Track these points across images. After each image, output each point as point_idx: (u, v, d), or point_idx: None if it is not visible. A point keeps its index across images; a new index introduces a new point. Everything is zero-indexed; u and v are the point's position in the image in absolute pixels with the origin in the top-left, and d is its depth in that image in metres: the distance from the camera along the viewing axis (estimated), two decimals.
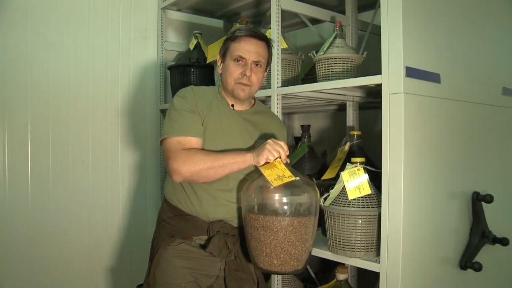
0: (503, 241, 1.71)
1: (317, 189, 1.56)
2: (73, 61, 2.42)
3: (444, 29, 1.60)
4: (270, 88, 1.90)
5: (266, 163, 1.50)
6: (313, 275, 2.25)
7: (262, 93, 1.96)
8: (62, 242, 2.38)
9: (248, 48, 1.63)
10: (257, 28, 1.71)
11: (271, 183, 1.45)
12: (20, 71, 2.26)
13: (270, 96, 1.90)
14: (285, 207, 1.50)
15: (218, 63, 1.73)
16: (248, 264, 1.70)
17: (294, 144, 2.73)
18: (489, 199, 1.64)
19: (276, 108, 1.87)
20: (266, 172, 1.48)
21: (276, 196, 1.51)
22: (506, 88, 1.89)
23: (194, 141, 1.58)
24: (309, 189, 1.53)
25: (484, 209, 1.68)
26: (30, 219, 2.30)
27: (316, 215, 1.56)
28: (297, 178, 1.48)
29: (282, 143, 1.52)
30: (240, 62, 1.63)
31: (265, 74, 1.73)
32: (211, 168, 1.51)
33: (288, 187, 1.49)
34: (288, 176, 1.46)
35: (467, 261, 1.61)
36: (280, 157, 1.50)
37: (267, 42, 1.69)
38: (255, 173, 1.62)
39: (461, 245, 1.65)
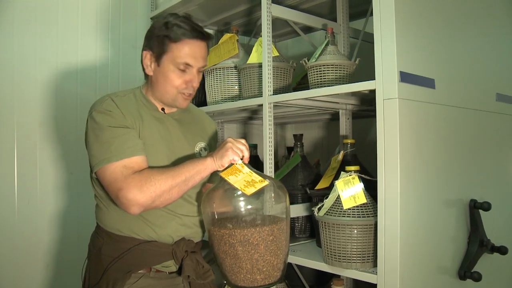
0: (502, 250, 1.67)
1: (284, 187, 1.44)
2: (61, 70, 2.37)
3: (438, 34, 1.57)
4: (262, 96, 1.86)
5: (227, 167, 1.34)
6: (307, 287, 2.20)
7: (253, 102, 1.93)
8: None
9: (195, 54, 1.41)
10: (197, 23, 1.45)
11: (243, 191, 1.28)
12: (6, 79, 2.20)
13: (262, 105, 1.86)
14: (264, 216, 1.37)
15: (148, 62, 1.44)
16: (214, 283, 1.55)
17: (286, 154, 2.70)
18: (486, 206, 1.60)
19: (268, 117, 1.83)
20: (231, 179, 1.30)
21: (252, 206, 1.36)
22: (500, 94, 1.87)
23: (141, 160, 1.33)
24: (280, 191, 1.41)
25: (482, 217, 1.64)
26: None
27: (289, 216, 1.43)
28: (267, 181, 1.34)
29: (243, 141, 1.37)
30: (185, 71, 1.42)
31: None
32: (174, 187, 1.29)
33: (260, 193, 1.34)
34: (259, 180, 1.31)
35: (466, 271, 1.57)
36: (242, 158, 1.35)
37: (209, 40, 1.48)
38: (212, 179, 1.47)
39: (459, 254, 1.61)
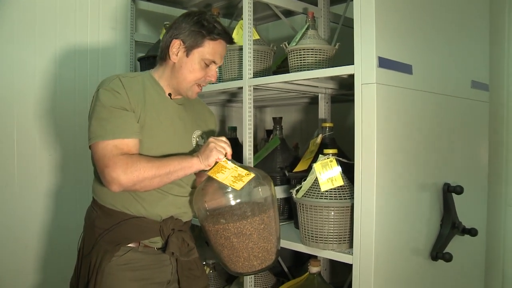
0: (472, 232, 1.73)
1: (268, 176, 1.49)
2: (39, 53, 2.34)
3: (416, 21, 1.60)
4: (242, 79, 1.87)
5: (213, 166, 1.41)
6: (285, 269, 2.24)
7: (233, 85, 1.94)
8: None
9: (221, 53, 1.53)
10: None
11: (233, 187, 1.36)
12: None
13: (242, 88, 1.87)
14: (253, 207, 1.43)
15: (175, 50, 1.49)
16: (200, 260, 1.63)
17: (265, 137, 2.71)
18: (459, 190, 1.65)
19: (247, 99, 1.84)
20: (219, 177, 1.38)
21: (241, 199, 1.42)
22: (474, 81, 1.92)
23: (132, 144, 1.40)
24: (265, 181, 1.46)
25: (454, 200, 1.69)
26: None
27: (276, 202, 1.50)
28: (253, 173, 1.41)
29: (224, 139, 1.45)
30: (208, 66, 1.51)
31: None
32: (156, 176, 1.37)
33: (248, 185, 1.40)
34: (245, 174, 1.39)
35: (438, 252, 1.63)
36: (225, 154, 1.42)
37: None
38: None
39: (432, 236, 1.66)
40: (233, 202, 1.42)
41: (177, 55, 1.50)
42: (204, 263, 2.21)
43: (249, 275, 1.82)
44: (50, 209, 2.40)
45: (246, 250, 1.41)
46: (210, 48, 1.49)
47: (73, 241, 2.37)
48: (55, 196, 2.42)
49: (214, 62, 1.51)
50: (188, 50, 1.49)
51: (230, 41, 1.54)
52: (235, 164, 1.43)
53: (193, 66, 1.50)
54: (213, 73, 1.53)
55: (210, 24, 1.49)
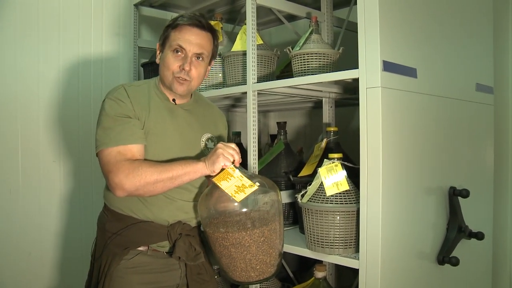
0: (479, 236, 1.72)
1: (276, 186, 1.47)
2: (43, 60, 2.34)
3: (420, 24, 1.60)
4: (246, 84, 1.87)
5: (219, 172, 1.40)
6: (291, 274, 2.23)
7: (237, 90, 1.94)
8: None
9: (189, 38, 1.48)
10: (203, 17, 1.54)
11: (234, 198, 1.34)
12: None
13: (246, 93, 1.87)
14: (254, 219, 1.41)
15: (157, 54, 1.58)
16: (209, 265, 1.63)
17: (270, 142, 2.71)
18: (465, 193, 1.65)
19: (252, 104, 1.84)
20: (223, 184, 1.36)
21: (242, 210, 1.40)
22: (479, 84, 1.91)
23: (136, 149, 1.42)
24: (271, 192, 1.44)
25: (460, 203, 1.68)
26: None
27: (281, 214, 1.48)
28: (257, 184, 1.39)
29: (233, 145, 1.44)
30: (179, 53, 1.49)
31: (208, 68, 1.60)
32: (159, 181, 1.37)
33: (251, 197, 1.38)
34: (249, 185, 1.37)
35: (445, 256, 1.62)
36: (233, 161, 1.41)
37: (212, 33, 1.55)
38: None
39: (439, 240, 1.65)
40: (233, 212, 1.41)
41: (158, 56, 1.57)
42: None
43: (248, 284, 1.81)
44: (54, 216, 2.40)
45: (243, 261, 1.39)
46: (175, 36, 1.50)
47: (77, 248, 2.42)
48: (59, 203, 2.41)
49: (181, 46, 1.49)
50: (162, 47, 1.55)
51: (195, 24, 1.50)
52: (243, 172, 1.40)
53: (165, 59, 1.52)
54: (184, 61, 1.49)
55: (178, 17, 1.53)
